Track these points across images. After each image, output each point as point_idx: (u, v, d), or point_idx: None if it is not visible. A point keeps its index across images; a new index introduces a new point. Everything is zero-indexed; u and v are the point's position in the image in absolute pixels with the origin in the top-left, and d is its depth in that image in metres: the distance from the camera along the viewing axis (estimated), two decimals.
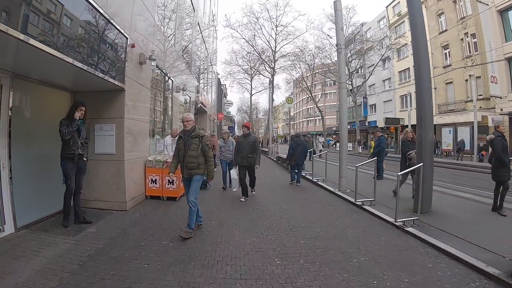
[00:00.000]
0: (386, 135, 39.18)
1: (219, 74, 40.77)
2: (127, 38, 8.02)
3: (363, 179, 12.52)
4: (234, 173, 10.26)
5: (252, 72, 45.97)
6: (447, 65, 33.48)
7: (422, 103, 8.19)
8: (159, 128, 12.77)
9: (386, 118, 37.06)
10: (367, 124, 46.65)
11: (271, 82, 37.43)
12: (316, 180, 13.46)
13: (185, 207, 8.53)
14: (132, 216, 7.64)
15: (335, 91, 69.98)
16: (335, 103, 69.53)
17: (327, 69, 47.40)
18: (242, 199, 9.90)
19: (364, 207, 8.76)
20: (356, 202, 9.07)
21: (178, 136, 6.86)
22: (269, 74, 40.08)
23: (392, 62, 41.72)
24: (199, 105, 18.65)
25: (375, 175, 9.38)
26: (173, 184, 9.45)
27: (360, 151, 39.67)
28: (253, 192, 10.79)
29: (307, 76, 50.50)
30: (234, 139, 13.38)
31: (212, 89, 35.04)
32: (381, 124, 41.43)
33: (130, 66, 8.32)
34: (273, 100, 35.61)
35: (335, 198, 10.48)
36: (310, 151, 23.64)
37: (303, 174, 14.80)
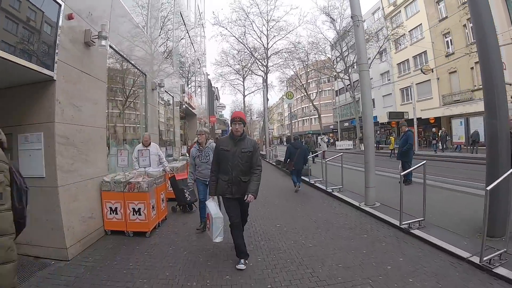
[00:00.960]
0: (384, 131, 36.62)
1: (209, 74, 38.05)
2: (60, 5, 5.28)
3: (385, 184, 9.83)
4: (213, 208, 5.12)
5: (244, 72, 43.30)
6: (449, 54, 31.17)
7: (492, 80, 5.54)
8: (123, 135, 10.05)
9: (389, 112, 34.42)
10: None
11: (265, 80, 34.69)
12: (331, 190, 10.64)
13: (156, 250, 5.80)
14: (72, 272, 4.80)
15: (329, 88, 67.58)
16: (331, 101, 67.10)
17: (322, 65, 44.87)
18: (241, 266, 4.83)
19: (413, 232, 6.04)
20: (401, 226, 6.30)
21: None
22: (262, 72, 37.32)
23: (390, 54, 39.17)
24: (184, 106, 15.95)
25: (424, 185, 6.58)
26: (140, 214, 6.47)
27: (363, 148, 37.13)
28: (242, 267, 4.82)
29: (301, 75, 47.94)
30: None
31: (202, 91, 32.38)
32: (383, 119, 39.00)
33: (67, 46, 5.56)
34: (267, 99, 32.88)
35: (365, 217, 7.66)
36: (312, 152, 21.17)
37: (312, 182, 12.43)
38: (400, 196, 6.23)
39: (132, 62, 9.40)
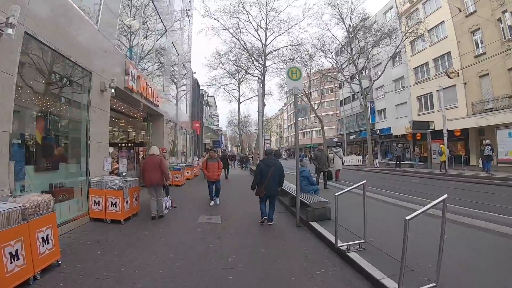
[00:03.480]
0: (401, 144, 29.67)
1: (195, 72, 30.98)
2: None
3: None
4: None
5: (240, 76, 36.76)
6: (479, 54, 24.52)
7: None
8: None
9: (413, 121, 27.12)
10: (378, 132, 36.95)
11: (262, 80, 27.83)
12: None
13: None
14: None
15: (332, 99, 60.90)
16: (333, 113, 60.31)
17: (326, 72, 38.36)
18: None
19: None
20: None
21: None
22: (259, 72, 30.61)
23: (406, 57, 32.24)
24: (111, 92, 8.97)
25: None
26: None
27: (377, 165, 29.47)
28: None
29: (304, 82, 41.27)
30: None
31: (187, 95, 25.42)
32: (397, 131, 32.25)
33: None
34: (264, 104, 25.96)
35: None
36: (324, 173, 14.05)
37: (343, 248, 5.49)
38: None
39: None
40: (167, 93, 17.06)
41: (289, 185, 11.11)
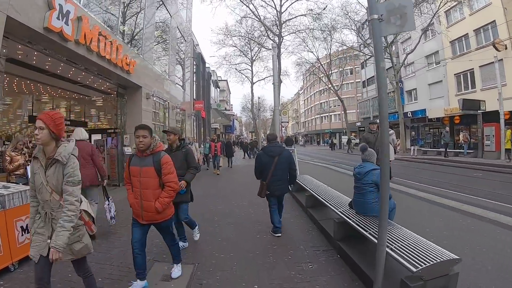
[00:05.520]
0: (448, 128, 25.15)
1: (197, 45, 26.98)
2: None
3: None
4: None
5: (253, 54, 32.78)
6: None
7: None
8: None
9: (463, 99, 22.45)
10: (410, 115, 31.50)
11: (278, 52, 23.73)
12: None
13: None
14: None
15: (352, 81, 55.84)
16: (353, 95, 55.11)
17: (350, 48, 34.12)
18: None
19: None
20: None
21: None
22: (275, 43, 26.75)
23: (442, 28, 27.24)
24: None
25: None
26: None
27: (415, 153, 24.83)
28: None
29: (324, 63, 37.07)
30: None
31: (185, 70, 21.36)
32: (433, 113, 27.74)
33: None
34: (280, 81, 21.96)
35: None
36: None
37: None
38: None
39: None
40: (147, 58, 13.09)
41: (327, 190, 7.11)
